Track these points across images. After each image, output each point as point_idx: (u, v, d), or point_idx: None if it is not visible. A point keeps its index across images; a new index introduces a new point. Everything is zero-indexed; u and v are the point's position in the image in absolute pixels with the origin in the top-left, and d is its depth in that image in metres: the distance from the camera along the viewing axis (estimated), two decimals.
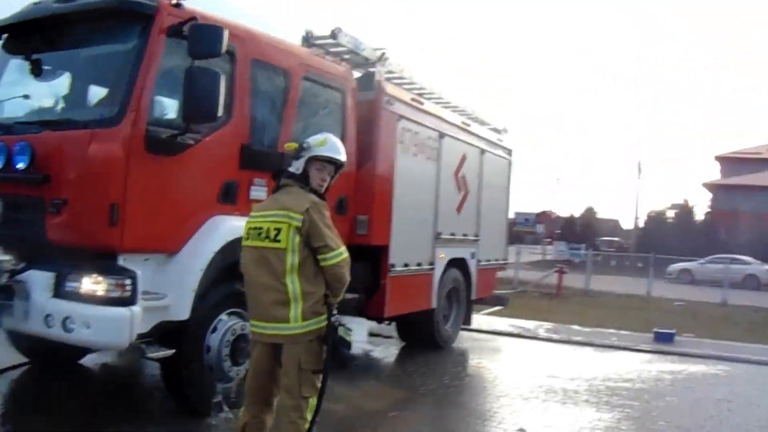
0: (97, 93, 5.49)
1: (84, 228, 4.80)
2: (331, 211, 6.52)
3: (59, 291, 4.70)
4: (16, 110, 5.74)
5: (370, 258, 7.53)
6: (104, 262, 4.74)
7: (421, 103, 8.19)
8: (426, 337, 9.02)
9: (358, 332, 9.72)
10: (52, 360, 6.49)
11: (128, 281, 4.64)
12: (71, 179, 4.79)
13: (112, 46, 5.31)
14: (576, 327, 11.69)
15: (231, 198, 5.52)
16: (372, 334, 9.85)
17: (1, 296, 4.78)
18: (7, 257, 4.85)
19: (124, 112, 4.76)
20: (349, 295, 7.17)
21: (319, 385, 3.93)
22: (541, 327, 11.54)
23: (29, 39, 5.62)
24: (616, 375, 8.00)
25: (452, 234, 9.02)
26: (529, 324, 11.85)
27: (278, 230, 3.81)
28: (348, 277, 3.97)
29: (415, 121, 7.93)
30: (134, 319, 4.61)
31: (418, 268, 8.20)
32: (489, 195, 10.06)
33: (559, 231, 49.15)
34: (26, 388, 6.25)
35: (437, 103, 8.98)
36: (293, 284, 3.79)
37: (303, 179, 4.05)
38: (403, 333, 9.34)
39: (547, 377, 7.73)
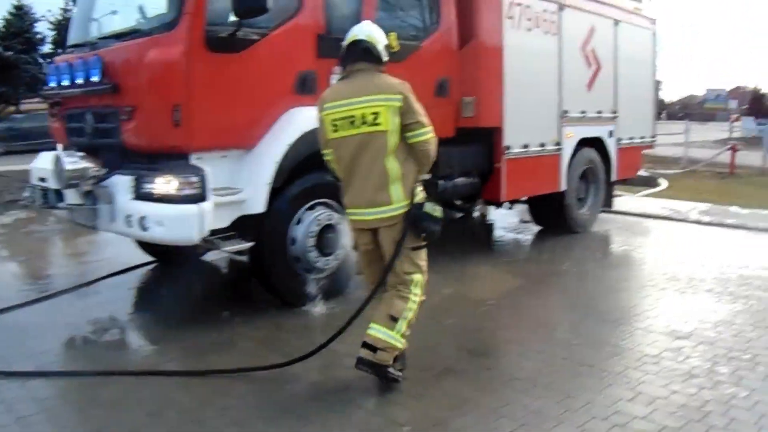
0: (163, 3, 5.64)
1: (151, 131, 5.07)
2: (430, 93, 6.58)
3: (138, 193, 4.99)
4: (93, 30, 6.15)
5: (484, 141, 7.37)
6: (175, 162, 4.98)
7: None
8: (559, 221, 8.73)
9: (509, 218, 9.78)
10: (175, 258, 7.08)
11: (196, 179, 4.83)
12: (136, 85, 5.05)
13: None
14: (734, 209, 10.66)
15: (309, 88, 5.53)
16: (523, 221, 9.67)
17: (88, 201, 5.21)
18: (90, 164, 5.26)
19: (181, 16, 4.89)
20: (465, 179, 7.17)
21: (421, 262, 4.05)
22: (696, 209, 10.66)
23: None
24: (755, 263, 7.16)
25: (582, 112, 8.49)
26: (684, 206, 10.99)
27: (376, 114, 3.83)
28: (434, 154, 4.02)
29: None
30: (204, 216, 4.81)
31: (540, 149, 7.86)
32: (628, 69, 9.25)
33: (746, 106, 44.67)
34: (152, 282, 6.81)
35: None
36: (393, 166, 3.87)
37: (378, 62, 4.03)
38: (536, 217, 9.09)
39: (675, 263, 7.15)
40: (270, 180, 5.26)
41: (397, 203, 3.91)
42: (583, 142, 8.65)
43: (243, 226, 5.27)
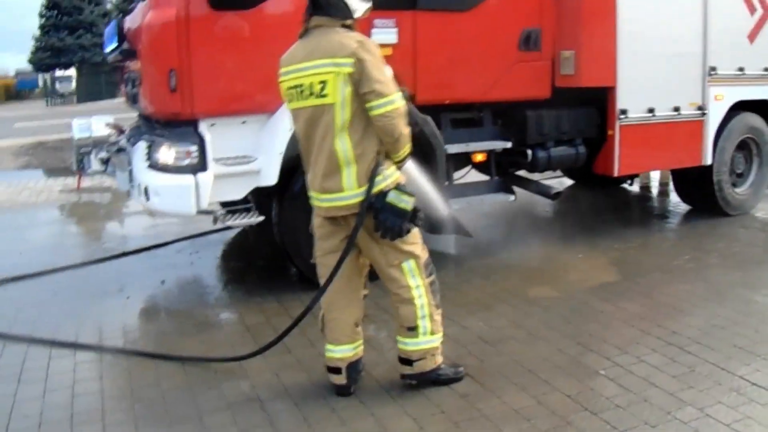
0: None
1: (152, 97, 4.78)
2: (513, 47, 5.57)
3: (149, 161, 4.72)
4: None
5: (595, 103, 6.19)
6: (177, 130, 4.63)
7: None
8: (707, 201, 7.22)
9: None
10: None
11: (194, 148, 4.48)
12: (139, 49, 4.77)
13: None
14: None
15: None
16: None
17: (108, 168, 5.03)
18: (108, 131, 5.04)
19: None
20: (565, 149, 6.11)
21: (407, 247, 3.33)
22: None
23: None
24: None
25: (740, 69, 6.88)
26: None
27: (324, 83, 3.15)
28: (401, 131, 3.20)
29: None
30: (201, 186, 4.48)
31: (672, 114, 6.45)
32: None
33: None
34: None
35: None
36: (343, 145, 3.18)
37: (343, 12, 3.28)
38: (681, 193, 7.62)
39: None
40: (282, 149, 4.71)
41: (349, 191, 3.23)
42: (742, 106, 7.04)
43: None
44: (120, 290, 5.29)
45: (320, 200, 3.35)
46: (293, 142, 4.67)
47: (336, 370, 3.48)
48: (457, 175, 5.94)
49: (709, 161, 6.81)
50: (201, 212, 4.73)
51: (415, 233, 3.38)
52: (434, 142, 5.22)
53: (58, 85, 43.15)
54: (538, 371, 3.69)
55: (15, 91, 51.45)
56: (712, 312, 4.51)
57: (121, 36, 5.05)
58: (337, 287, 3.41)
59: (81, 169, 5.59)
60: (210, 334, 4.47)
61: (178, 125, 4.70)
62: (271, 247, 5.60)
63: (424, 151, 4.87)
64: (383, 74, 3.17)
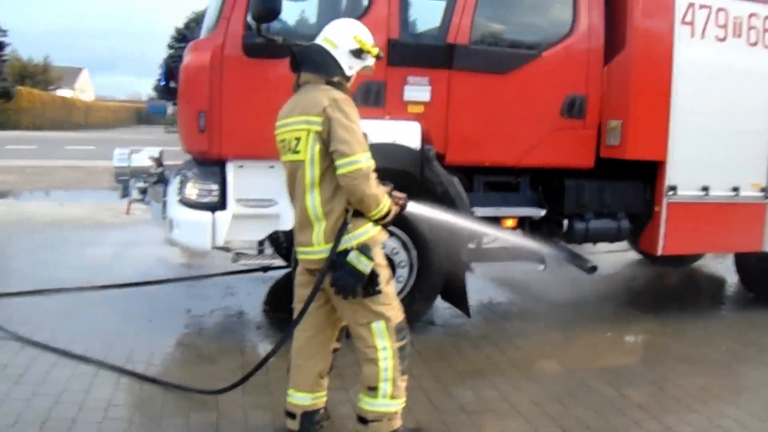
0: None
1: (184, 134, 5.05)
2: (555, 113, 5.45)
3: (179, 196, 4.91)
4: None
5: (643, 177, 5.95)
6: (202, 169, 4.84)
7: None
8: (766, 288, 6.75)
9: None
10: None
11: (215, 187, 4.68)
12: (178, 90, 5.04)
13: None
14: None
15: (374, 100, 4.97)
16: None
17: (146, 198, 5.33)
18: (149, 163, 5.30)
19: (219, 20, 4.74)
20: (606, 222, 5.90)
21: (379, 307, 3.30)
22: None
23: None
24: None
25: None
26: None
27: (298, 140, 3.25)
28: (363, 191, 3.15)
29: None
30: (218, 224, 4.67)
31: (731, 194, 6.07)
32: None
33: None
34: None
35: None
36: (313, 201, 3.25)
37: (330, 72, 3.33)
38: (744, 278, 7.16)
39: None
40: None
41: (317, 246, 3.26)
42: None
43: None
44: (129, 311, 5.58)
45: (298, 252, 3.43)
46: None
47: (292, 415, 3.50)
48: (487, 240, 5.81)
49: None
50: (217, 248, 4.91)
51: (389, 295, 3.35)
52: (458, 204, 5.13)
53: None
54: None
55: (146, 116, 54.92)
56: (720, 411, 4.18)
57: (169, 76, 5.35)
58: (306, 336, 3.45)
59: (126, 195, 5.93)
60: (210, 366, 4.59)
61: (207, 164, 4.92)
62: None
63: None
64: (350, 134, 3.15)
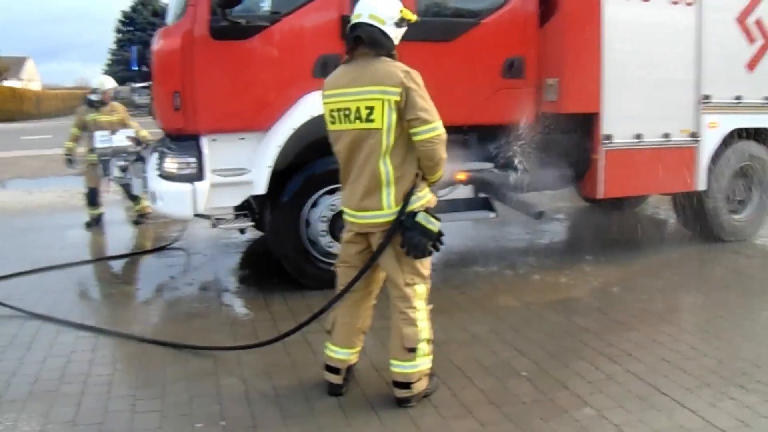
0: None
1: (160, 113, 5.46)
2: (496, 74, 5.97)
3: (159, 170, 5.36)
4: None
5: (581, 129, 6.51)
6: (180, 143, 5.27)
7: None
8: (700, 226, 7.43)
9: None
10: None
11: (193, 159, 5.11)
12: (152, 73, 5.50)
13: None
14: None
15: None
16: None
17: (126, 175, 5.82)
18: (127, 143, 5.73)
19: (186, 7, 5.15)
20: (548, 171, 6.45)
21: (424, 270, 3.64)
22: None
23: None
24: None
25: (737, 98, 7.06)
26: None
27: (371, 109, 3.41)
28: (441, 155, 3.51)
29: None
30: (198, 194, 5.11)
31: (662, 140, 6.70)
32: None
33: None
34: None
35: None
36: (386, 168, 3.47)
37: (388, 46, 3.53)
38: (680, 218, 7.81)
39: None
40: (270, 163, 5.30)
41: (388, 209, 3.50)
42: (738, 134, 7.22)
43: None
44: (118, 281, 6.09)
45: (356, 217, 3.61)
46: (282, 156, 5.32)
47: (335, 370, 3.75)
48: (441, 192, 6.32)
49: (702, 187, 7.00)
50: (198, 215, 5.36)
51: (428, 263, 3.67)
52: None
53: (136, 97, 45.28)
54: (465, 369, 4.09)
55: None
56: (657, 329, 4.79)
57: (141, 61, 5.73)
58: (355, 296, 3.72)
59: (106, 174, 6.31)
60: (202, 320, 5.06)
61: (183, 139, 5.35)
62: None
63: None
64: (427, 103, 3.43)
